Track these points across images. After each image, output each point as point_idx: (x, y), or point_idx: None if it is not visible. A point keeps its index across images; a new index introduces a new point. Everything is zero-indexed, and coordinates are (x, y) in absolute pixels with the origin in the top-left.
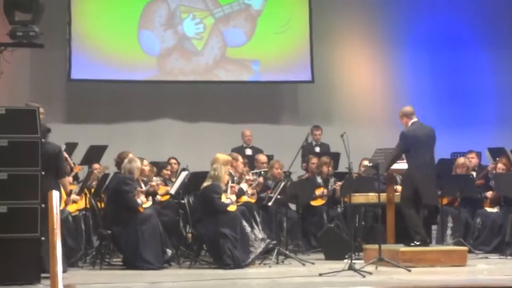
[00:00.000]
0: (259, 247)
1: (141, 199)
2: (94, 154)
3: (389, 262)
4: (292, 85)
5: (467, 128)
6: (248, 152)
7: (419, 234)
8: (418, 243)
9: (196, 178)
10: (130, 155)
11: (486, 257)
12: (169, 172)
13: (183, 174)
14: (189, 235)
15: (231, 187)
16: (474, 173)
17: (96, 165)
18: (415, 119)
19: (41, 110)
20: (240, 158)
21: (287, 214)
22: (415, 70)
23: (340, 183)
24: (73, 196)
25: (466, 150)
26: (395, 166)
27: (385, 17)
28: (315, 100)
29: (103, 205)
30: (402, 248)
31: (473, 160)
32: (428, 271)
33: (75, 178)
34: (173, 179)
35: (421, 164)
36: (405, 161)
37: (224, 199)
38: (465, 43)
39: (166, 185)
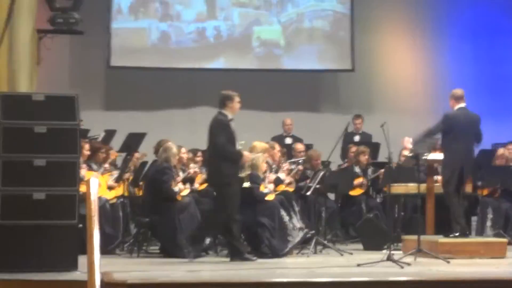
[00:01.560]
0: (297, 237)
1: (178, 186)
2: (133, 141)
3: (428, 253)
4: (332, 73)
5: (508, 118)
6: (288, 141)
7: (460, 224)
8: (457, 234)
9: None
10: (167, 144)
11: None
12: (201, 158)
13: None
14: None
15: (268, 177)
16: None
17: (136, 154)
18: (462, 104)
19: None
20: (277, 147)
21: (325, 203)
22: (457, 59)
23: (382, 170)
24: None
25: (507, 141)
26: (435, 156)
27: (426, 6)
28: (356, 89)
29: (141, 192)
30: (441, 239)
31: None
32: (467, 263)
33: (114, 165)
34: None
35: (454, 151)
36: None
37: (262, 188)
38: (506, 32)
39: (203, 172)
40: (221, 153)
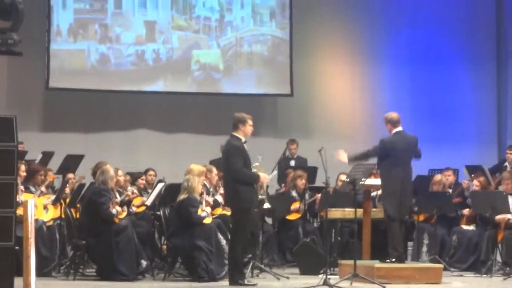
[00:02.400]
0: None
1: (116, 209)
2: (71, 163)
3: (364, 278)
4: (271, 98)
5: (445, 145)
6: None
7: (397, 251)
8: (393, 260)
9: (172, 190)
10: (104, 166)
11: (461, 275)
12: (144, 182)
13: (160, 185)
14: (164, 246)
15: (206, 200)
16: (450, 191)
17: (70, 175)
18: (399, 128)
19: None
20: (214, 170)
21: (263, 228)
22: (395, 86)
23: (319, 195)
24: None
25: (444, 167)
26: (372, 182)
27: (365, 33)
28: (294, 113)
29: (78, 215)
30: (377, 264)
31: (449, 177)
32: None
33: (51, 187)
34: (149, 190)
35: (392, 176)
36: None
37: (200, 211)
38: (445, 60)
39: (141, 195)
40: (238, 177)
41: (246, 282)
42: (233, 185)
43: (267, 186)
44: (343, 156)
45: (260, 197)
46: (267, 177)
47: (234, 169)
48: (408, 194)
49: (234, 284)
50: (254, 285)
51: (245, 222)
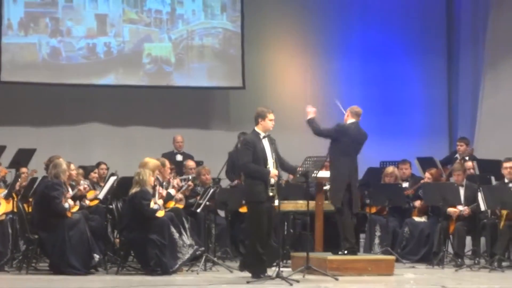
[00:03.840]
0: (187, 253)
1: (68, 203)
2: (23, 157)
3: (317, 270)
4: (223, 91)
5: (397, 137)
6: (179, 158)
7: (349, 242)
8: (346, 252)
9: (125, 183)
10: (56, 160)
11: (414, 267)
12: (96, 175)
13: (112, 179)
14: (117, 240)
15: (159, 192)
16: (406, 183)
17: (23, 169)
18: (355, 120)
19: None
20: (167, 164)
21: (215, 220)
22: (347, 79)
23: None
24: None
25: (395, 159)
26: (324, 174)
27: (317, 25)
28: (246, 106)
29: (30, 209)
30: (329, 256)
31: (406, 170)
32: (355, 280)
33: (3, 181)
34: (102, 184)
35: (342, 164)
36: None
37: (152, 205)
38: (397, 54)
39: (94, 189)
40: (245, 172)
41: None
42: (245, 179)
43: (277, 182)
44: (311, 112)
45: (270, 194)
46: (276, 173)
47: (240, 164)
48: (355, 183)
49: (256, 277)
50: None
51: (257, 215)
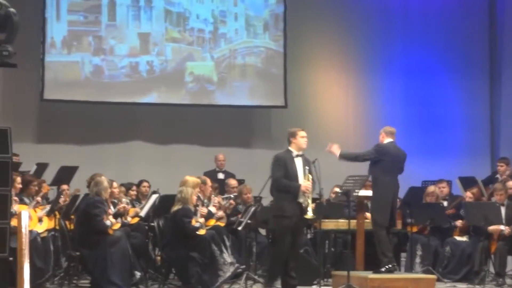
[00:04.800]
0: (228, 271)
1: (110, 220)
2: (65, 175)
3: None
4: (265, 109)
5: (438, 156)
6: (221, 176)
7: (387, 257)
8: (385, 268)
9: (166, 201)
10: (98, 178)
11: (455, 286)
12: (135, 193)
13: (154, 196)
14: (158, 258)
15: (201, 211)
16: (445, 202)
17: (64, 186)
18: (392, 140)
19: None
20: (208, 182)
21: (256, 239)
22: (388, 97)
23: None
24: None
25: (437, 179)
26: (365, 193)
27: (359, 44)
28: (288, 125)
29: (72, 226)
30: (370, 275)
31: (444, 189)
32: None
33: (45, 198)
34: (143, 201)
35: (384, 183)
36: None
37: (194, 222)
38: (439, 72)
39: (133, 206)
40: (276, 187)
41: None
42: (274, 194)
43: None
44: (335, 149)
45: (303, 204)
46: (309, 185)
47: (272, 178)
48: (395, 204)
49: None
50: None
51: (278, 230)
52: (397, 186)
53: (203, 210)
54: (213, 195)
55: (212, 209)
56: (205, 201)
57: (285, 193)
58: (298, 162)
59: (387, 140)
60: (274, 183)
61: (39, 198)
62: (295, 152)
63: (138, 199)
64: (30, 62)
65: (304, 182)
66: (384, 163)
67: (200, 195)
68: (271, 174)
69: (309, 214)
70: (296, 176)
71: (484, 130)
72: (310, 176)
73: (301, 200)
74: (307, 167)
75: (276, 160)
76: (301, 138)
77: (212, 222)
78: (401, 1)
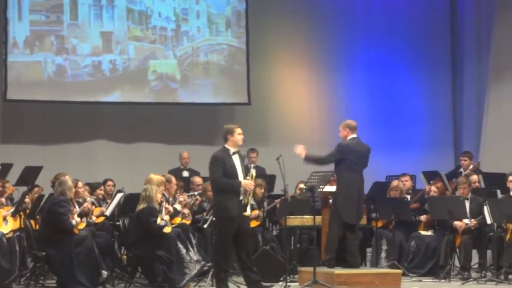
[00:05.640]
0: (194, 269)
1: (75, 220)
2: (29, 175)
3: (324, 284)
4: (229, 107)
5: (402, 151)
6: (185, 174)
7: (328, 254)
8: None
9: (131, 200)
10: (62, 177)
11: (420, 280)
12: (102, 192)
13: (119, 195)
14: (124, 256)
15: (166, 208)
16: (408, 196)
17: (36, 189)
18: (355, 135)
19: None
20: (173, 180)
21: None
22: (351, 93)
23: (278, 200)
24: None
25: (400, 173)
26: (330, 188)
27: (321, 40)
28: (252, 122)
29: (37, 226)
30: (337, 270)
31: (407, 183)
32: None
33: (10, 199)
34: (108, 200)
35: (349, 180)
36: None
37: (159, 221)
38: (401, 67)
39: (100, 205)
40: (217, 186)
41: None
42: (214, 194)
43: (251, 193)
44: (300, 150)
45: (243, 202)
46: (250, 184)
47: (212, 179)
48: (362, 200)
49: None
50: None
51: (222, 231)
52: (362, 181)
53: (169, 208)
54: (178, 193)
55: (178, 206)
56: (170, 199)
57: (227, 192)
58: (236, 160)
59: (351, 136)
60: (214, 184)
61: (3, 199)
62: (232, 150)
63: (104, 198)
64: None
65: (246, 179)
66: (347, 161)
67: (165, 193)
68: (210, 175)
69: (247, 212)
70: (235, 173)
71: (447, 124)
72: (254, 173)
73: (241, 197)
74: (251, 164)
75: (214, 160)
76: (238, 135)
77: (177, 220)
78: None
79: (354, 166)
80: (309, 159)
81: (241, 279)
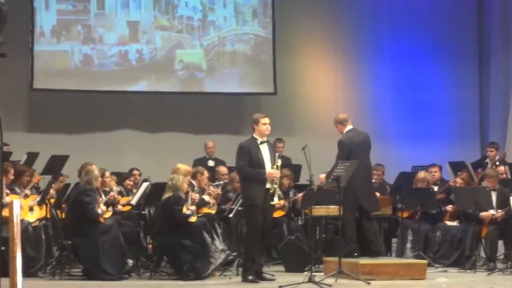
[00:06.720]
0: (219, 258)
1: (101, 208)
2: (56, 164)
3: (349, 274)
4: (255, 96)
5: (428, 141)
6: (211, 163)
7: (350, 246)
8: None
9: (157, 189)
10: (89, 167)
11: (446, 271)
12: (131, 183)
13: (144, 184)
14: (150, 246)
15: (192, 197)
16: (436, 187)
17: (59, 177)
18: (350, 126)
19: None
20: (205, 173)
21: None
22: (377, 83)
23: (300, 194)
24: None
25: (427, 164)
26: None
27: (347, 30)
28: (278, 112)
29: (63, 215)
30: (362, 260)
31: (436, 174)
32: (387, 284)
33: (36, 188)
34: (134, 190)
35: (358, 171)
36: None
37: (185, 210)
38: (428, 57)
39: (127, 194)
40: (241, 175)
41: (249, 278)
42: (241, 183)
43: (278, 182)
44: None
45: (270, 191)
46: (275, 172)
47: (236, 168)
48: (370, 187)
49: (244, 280)
50: (255, 281)
51: (249, 219)
52: (367, 168)
53: (195, 196)
54: (207, 187)
55: (205, 197)
56: (198, 190)
57: (252, 181)
58: (264, 149)
59: (346, 129)
60: (239, 173)
61: (27, 191)
62: (259, 139)
63: (131, 189)
64: (19, 52)
65: (271, 168)
66: (352, 155)
67: (194, 182)
68: (235, 164)
69: (275, 201)
70: (262, 163)
71: (474, 115)
72: (279, 162)
73: (268, 186)
74: (277, 154)
75: (240, 149)
76: (263, 125)
77: (204, 210)
78: None
79: (356, 156)
80: (329, 177)
81: (266, 269)
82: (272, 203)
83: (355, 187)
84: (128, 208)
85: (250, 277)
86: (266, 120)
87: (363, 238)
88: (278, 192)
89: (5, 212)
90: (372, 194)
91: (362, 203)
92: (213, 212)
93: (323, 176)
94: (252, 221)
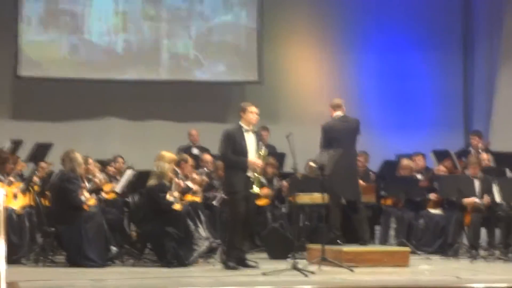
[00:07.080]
0: (202, 246)
1: (85, 196)
2: (40, 151)
3: (332, 262)
4: (240, 85)
5: (412, 130)
6: (195, 151)
7: (334, 234)
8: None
9: (141, 177)
10: (72, 154)
11: (429, 258)
12: (113, 169)
13: (129, 172)
14: (134, 233)
15: (177, 183)
16: (420, 175)
17: (43, 164)
18: (339, 113)
19: None
20: (190, 161)
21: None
22: (362, 72)
23: (285, 182)
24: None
25: (410, 152)
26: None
27: (334, 20)
28: (263, 100)
29: (47, 202)
30: (345, 248)
31: (420, 162)
32: (370, 271)
33: (20, 175)
34: (119, 177)
35: (340, 158)
36: None
37: (168, 197)
38: (412, 46)
39: (111, 182)
40: (225, 162)
41: (230, 265)
42: (224, 170)
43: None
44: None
45: (251, 179)
46: (258, 162)
47: (220, 154)
48: (354, 175)
49: (225, 267)
50: (237, 268)
51: (231, 206)
52: (351, 156)
53: (180, 183)
54: (190, 175)
55: (189, 184)
56: (181, 177)
57: (234, 169)
58: (249, 137)
59: (336, 113)
60: (222, 159)
61: (11, 178)
62: (245, 127)
63: (114, 176)
64: (5, 39)
65: (254, 157)
66: (334, 141)
67: (178, 170)
68: (219, 150)
69: (255, 189)
70: (245, 151)
71: (458, 104)
72: (264, 152)
73: (249, 174)
74: (260, 142)
75: (224, 136)
76: (250, 113)
77: (188, 197)
78: None
79: (339, 143)
80: (320, 162)
81: (250, 256)
82: (252, 191)
83: (335, 174)
84: (112, 195)
85: (231, 264)
86: (254, 109)
87: (351, 229)
88: (262, 180)
89: None
90: (352, 181)
91: (337, 190)
92: (198, 199)
93: (312, 164)
94: (234, 208)
